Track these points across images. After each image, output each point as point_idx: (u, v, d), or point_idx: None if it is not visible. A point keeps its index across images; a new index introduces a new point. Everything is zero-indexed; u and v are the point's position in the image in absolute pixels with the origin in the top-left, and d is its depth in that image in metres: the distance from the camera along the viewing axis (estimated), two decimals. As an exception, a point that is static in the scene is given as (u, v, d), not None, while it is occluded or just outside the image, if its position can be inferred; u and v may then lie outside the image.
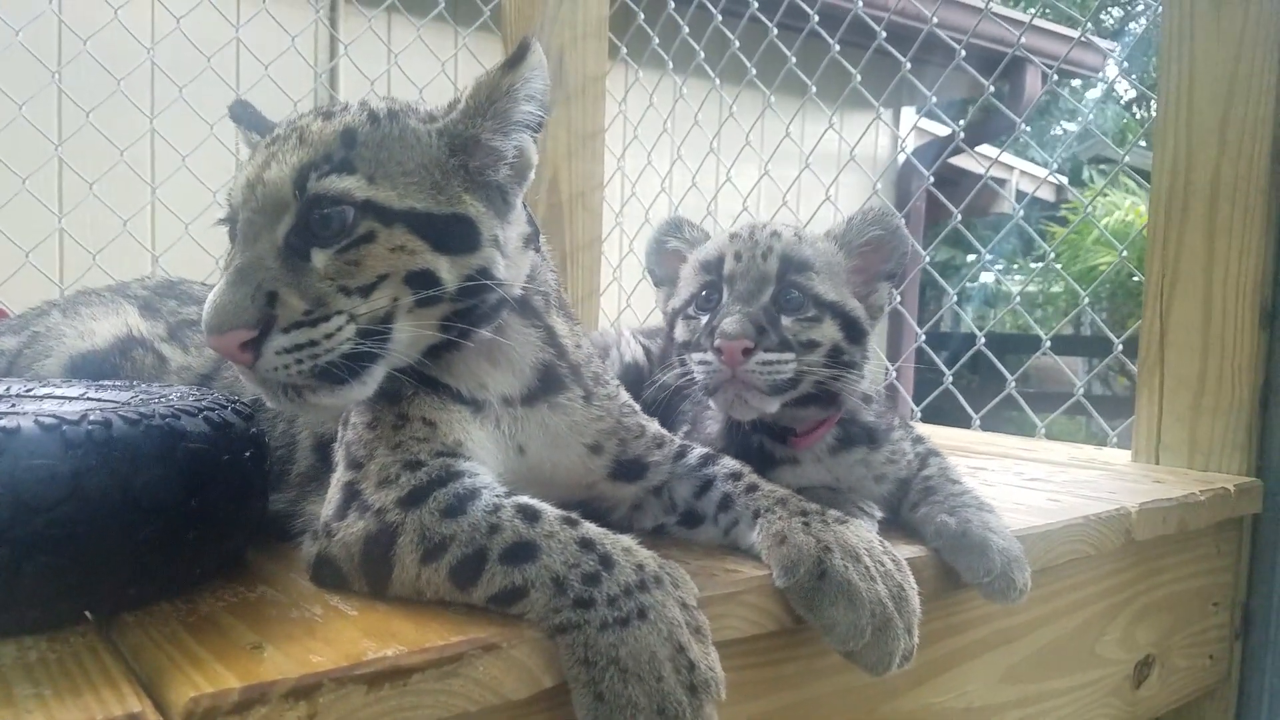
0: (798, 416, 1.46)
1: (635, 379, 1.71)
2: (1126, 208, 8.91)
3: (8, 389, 1.26)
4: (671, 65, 3.78)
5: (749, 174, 3.69)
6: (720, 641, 1.11)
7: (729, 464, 1.36)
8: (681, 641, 0.97)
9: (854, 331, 1.44)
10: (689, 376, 1.43)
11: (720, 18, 3.60)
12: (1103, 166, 11.88)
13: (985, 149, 7.80)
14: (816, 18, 3.25)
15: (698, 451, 1.40)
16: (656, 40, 3.85)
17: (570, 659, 0.95)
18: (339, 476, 1.14)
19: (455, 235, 1.15)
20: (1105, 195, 4.23)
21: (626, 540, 1.05)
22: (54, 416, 0.94)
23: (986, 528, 1.36)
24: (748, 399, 1.38)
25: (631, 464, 1.35)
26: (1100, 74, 8.33)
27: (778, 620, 1.18)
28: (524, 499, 1.07)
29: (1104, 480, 2.00)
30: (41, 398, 1.23)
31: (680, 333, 1.47)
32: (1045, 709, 1.66)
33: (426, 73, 3.93)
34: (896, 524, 1.48)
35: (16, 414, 0.94)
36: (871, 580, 1.15)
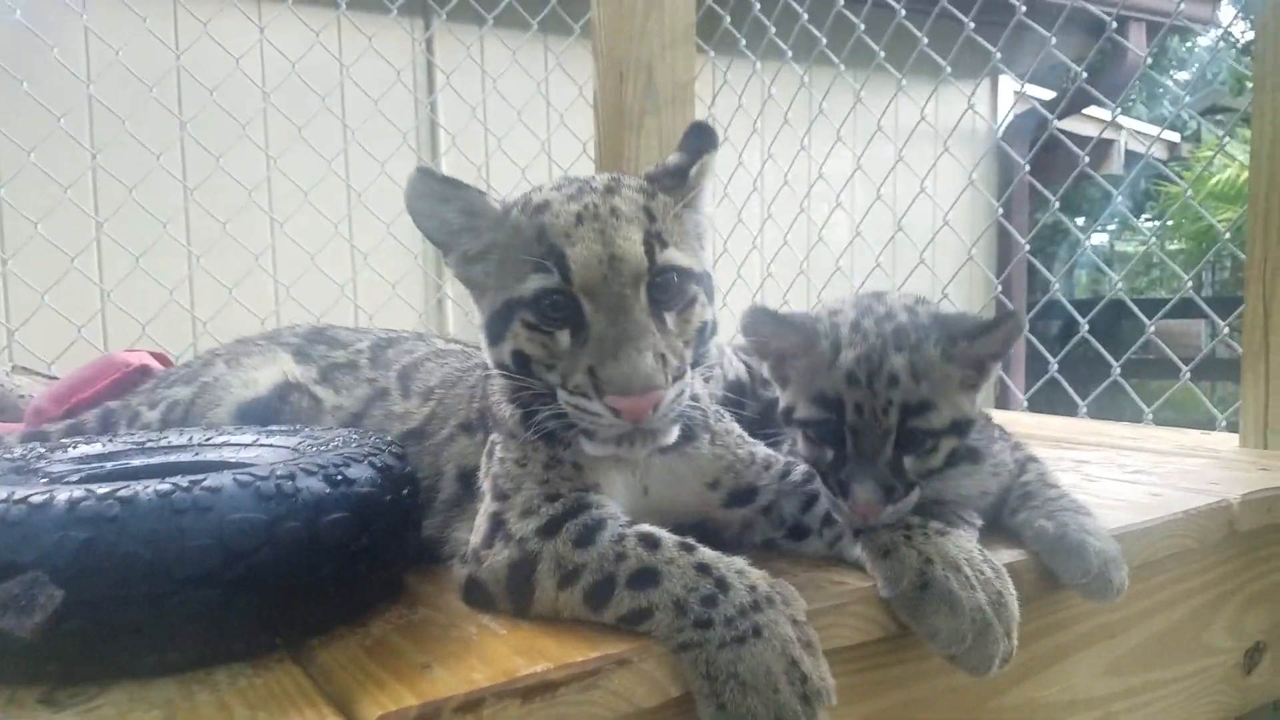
0: None
1: (738, 395, 1.81)
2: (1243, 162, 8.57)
3: (190, 438, 1.45)
4: (759, 66, 3.85)
5: (842, 167, 3.74)
6: (830, 649, 1.23)
7: None
8: (794, 656, 1.09)
9: (967, 429, 1.46)
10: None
11: (806, 16, 3.65)
12: (1220, 117, 11.40)
13: (1091, 111, 7.63)
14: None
15: (801, 469, 1.50)
16: (743, 42, 3.93)
17: (693, 673, 1.08)
18: (486, 507, 1.29)
19: (709, 290, 1.36)
20: (1219, 146, 4.10)
21: (739, 563, 1.17)
22: (249, 474, 1.10)
23: (1083, 530, 1.43)
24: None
25: (744, 492, 1.47)
26: (1210, 25, 8.02)
27: (883, 627, 1.28)
28: (645, 528, 1.20)
29: (1208, 470, 2.03)
30: (220, 445, 1.41)
31: (803, 449, 1.48)
32: (1152, 698, 1.72)
33: (521, 92, 4.09)
34: (998, 528, 1.55)
35: (219, 473, 1.10)
36: (971, 589, 1.24)
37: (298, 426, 1.51)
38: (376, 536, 1.19)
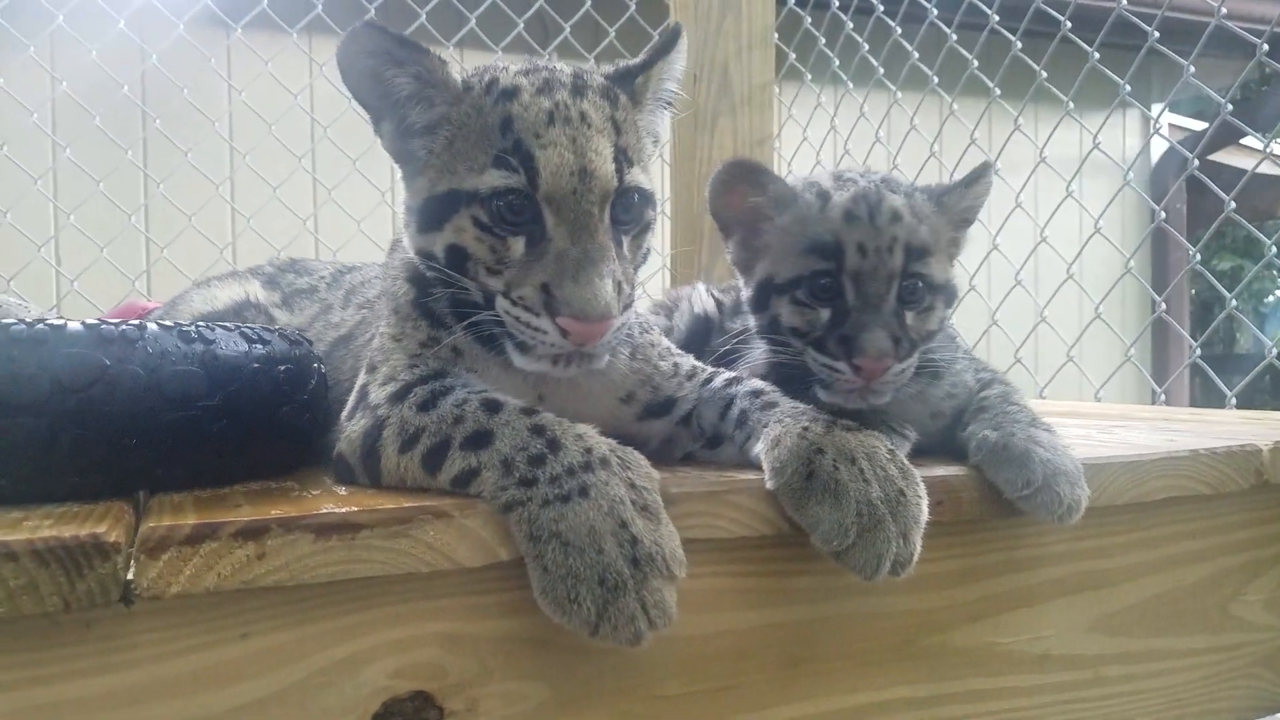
0: None
1: (704, 329, 1.73)
2: None
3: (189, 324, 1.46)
4: (845, 77, 3.76)
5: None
6: (709, 540, 1.15)
7: (754, 384, 1.36)
8: (624, 517, 1.00)
9: (951, 300, 1.41)
10: (787, 356, 1.41)
11: (900, 29, 3.54)
12: None
13: (1250, 142, 7.09)
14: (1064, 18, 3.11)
15: (725, 375, 1.41)
16: (823, 40, 3.85)
17: (520, 535, 1.01)
18: (357, 382, 1.26)
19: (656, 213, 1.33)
20: None
21: (585, 429, 1.09)
22: (97, 320, 1.11)
23: (1032, 441, 1.28)
24: (868, 398, 1.34)
25: (660, 404, 1.39)
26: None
27: (772, 525, 1.17)
28: (493, 394, 1.14)
29: (1258, 430, 1.79)
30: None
31: (789, 317, 1.39)
32: (1157, 669, 1.50)
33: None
34: (950, 452, 1.41)
35: (71, 321, 1.11)
36: (864, 482, 1.12)
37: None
38: (235, 402, 1.17)
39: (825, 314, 1.34)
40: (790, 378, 1.45)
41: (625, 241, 1.24)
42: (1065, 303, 3.03)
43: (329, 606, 1.00)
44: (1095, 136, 2.86)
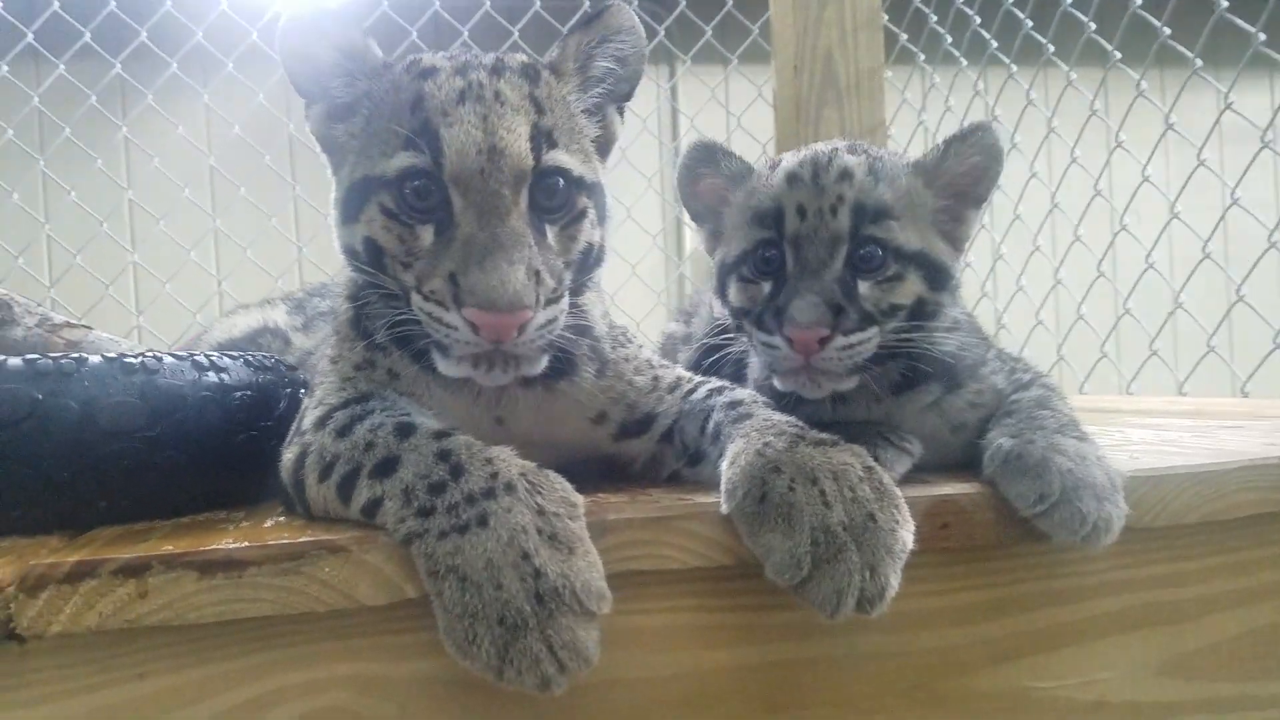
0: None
1: (721, 332, 1.59)
2: None
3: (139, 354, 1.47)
4: (958, 54, 3.51)
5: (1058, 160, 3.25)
6: (659, 572, 1.03)
7: (735, 394, 1.24)
8: (526, 548, 0.91)
9: (939, 277, 1.23)
10: (739, 344, 1.32)
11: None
12: None
13: None
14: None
15: (709, 386, 1.29)
16: (934, 18, 3.62)
17: (421, 570, 0.93)
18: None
19: (601, 207, 1.22)
20: None
21: (499, 452, 1.00)
22: (35, 354, 1.11)
23: (1053, 449, 1.10)
24: (821, 383, 1.20)
25: (637, 422, 1.28)
26: None
27: (731, 554, 1.05)
28: (410, 418, 1.06)
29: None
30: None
31: (735, 296, 1.30)
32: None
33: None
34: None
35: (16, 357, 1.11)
36: (824, 505, 0.99)
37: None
38: (178, 432, 1.14)
39: (766, 287, 1.22)
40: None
41: (550, 231, 1.14)
42: (1201, 286, 2.70)
43: (226, 646, 0.95)
44: (1226, 96, 2.53)
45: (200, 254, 3.72)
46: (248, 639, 0.95)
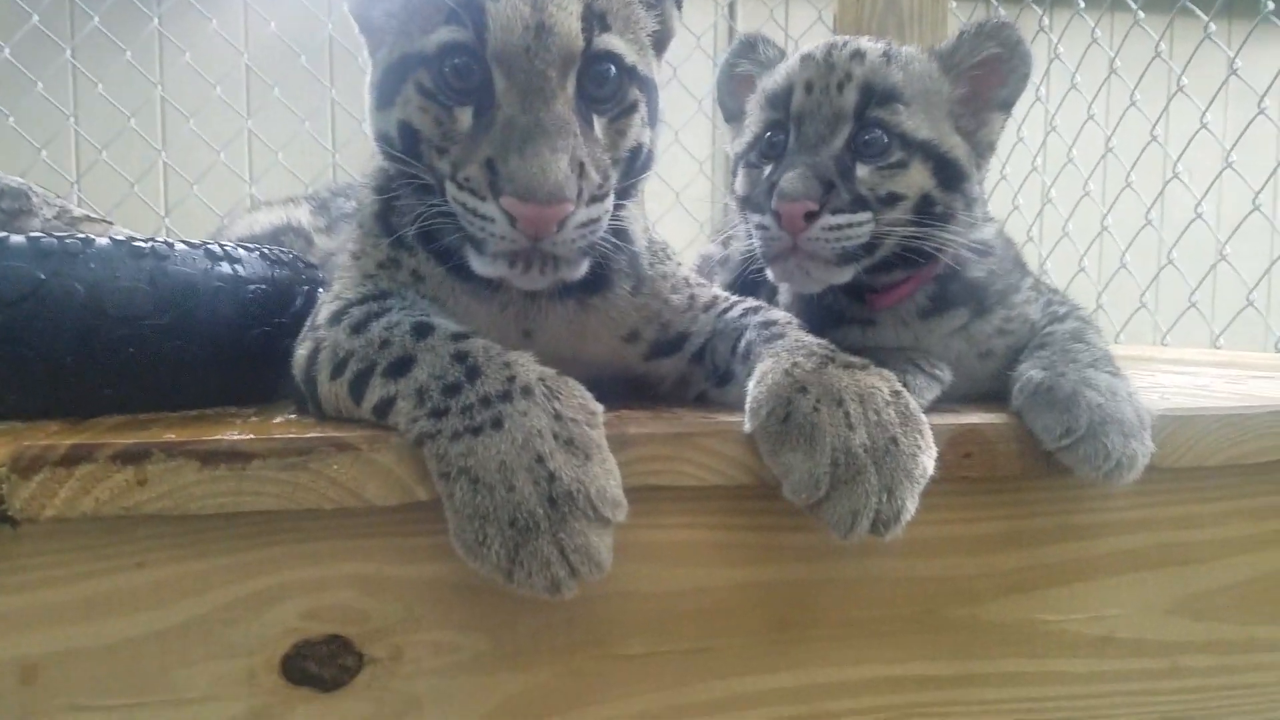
0: (878, 281, 1.22)
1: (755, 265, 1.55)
2: None
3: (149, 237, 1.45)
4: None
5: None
6: (676, 488, 1.01)
7: (770, 314, 1.20)
8: (540, 451, 0.88)
9: (951, 175, 1.18)
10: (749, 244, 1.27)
11: None
12: None
13: None
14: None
15: (744, 305, 1.25)
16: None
17: (433, 471, 0.91)
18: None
19: (654, 106, 1.15)
20: None
21: (517, 356, 0.97)
22: (41, 232, 1.08)
23: (1084, 382, 1.06)
24: (810, 270, 1.16)
25: (670, 342, 1.24)
26: None
27: (752, 473, 1.02)
28: (429, 319, 1.03)
29: None
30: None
31: (741, 185, 1.26)
32: (1260, 663, 1.24)
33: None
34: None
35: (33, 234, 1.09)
36: (848, 427, 0.95)
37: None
38: (188, 322, 1.12)
39: (768, 169, 1.18)
40: (824, 307, 1.28)
41: (599, 123, 1.08)
42: (1247, 240, 2.62)
43: (228, 539, 0.94)
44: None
45: (231, 155, 3.67)
46: (251, 532, 0.94)
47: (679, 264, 1.28)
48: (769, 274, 1.22)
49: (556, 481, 0.87)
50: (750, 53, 1.34)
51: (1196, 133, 2.69)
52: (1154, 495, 1.15)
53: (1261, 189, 2.51)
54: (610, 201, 1.05)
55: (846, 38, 1.24)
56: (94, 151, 3.51)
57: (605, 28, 1.06)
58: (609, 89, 1.07)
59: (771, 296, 1.40)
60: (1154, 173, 3.03)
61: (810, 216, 1.11)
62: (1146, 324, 3.16)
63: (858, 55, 1.19)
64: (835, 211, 1.11)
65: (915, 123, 1.16)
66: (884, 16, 3.17)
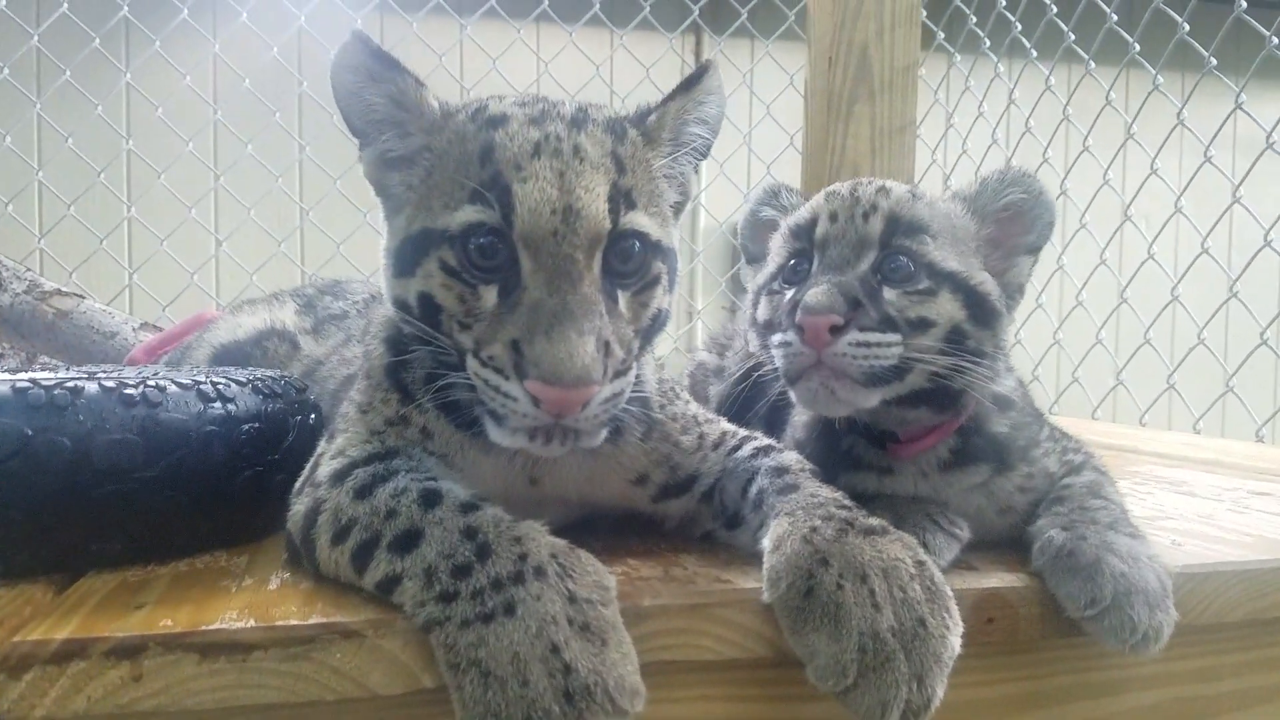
0: (904, 418, 1.19)
1: (757, 369, 1.53)
2: None
3: (137, 375, 1.41)
4: (995, 57, 3.41)
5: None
6: (694, 663, 0.97)
7: (782, 459, 1.17)
8: (556, 641, 0.84)
9: (982, 311, 1.15)
10: (768, 365, 1.24)
11: (1055, 9, 3.17)
12: None
13: None
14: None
15: (756, 444, 1.22)
16: (974, 19, 3.52)
17: (441, 661, 0.86)
18: (317, 448, 1.14)
19: (673, 272, 1.15)
20: None
21: (526, 528, 0.93)
22: (29, 381, 1.03)
23: (1106, 547, 1.04)
24: (836, 389, 1.11)
25: (680, 484, 1.21)
26: None
27: (771, 646, 0.98)
28: (437, 484, 0.99)
29: None
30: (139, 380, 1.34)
31: (762, 311, 1.24)
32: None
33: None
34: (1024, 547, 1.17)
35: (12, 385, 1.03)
36: (874, 608, 0.92)
37: (254, 370, 1.43)
38: (180, 472, 1.07)
39: (790, 294, 1.16)
40: (829, 447, 1.25)
41: (623, 298, 1.06)
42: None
43: (224, 732, 0.88)
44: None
45: (200, 211, 3.60)
46: (248, 725, 0.89)
47: (687, 401, 1.25)
48: (793, 396, 1.17)
49: (573, 674, 0.83)
50: (773, 200, 1.34)
51: (1171, 218, 2.73)
52: (1173, 650, 1.12)
53: (1239, 276, 2.53)
54: (633, 374, 1.03)
55: (861, 181, 1.23)
56: (61, 206, 3.43)
57: (631, 205, 1.04)
58: (634, 264, 1.05)
59: (770, 418, 1.37)
60: (1132, 251, 3.06)
61: (836, 331, 1.08)
62: (1113, 401, 3.18)
63: (883, 190, 1.18)
64: (863, 328, 1.09)
65: (943, 254, 1.15)
66: (855, 85, 3.19)
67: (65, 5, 3.33)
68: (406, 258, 1.07)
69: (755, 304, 1.27)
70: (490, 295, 1.02)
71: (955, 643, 0.93)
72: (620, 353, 1.00)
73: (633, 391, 1.07)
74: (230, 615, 0.89)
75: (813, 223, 1.20)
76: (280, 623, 0.88)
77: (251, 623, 0.87)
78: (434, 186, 1.07)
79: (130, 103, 3.76)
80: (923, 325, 1.12)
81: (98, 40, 3.35)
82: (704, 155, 1.19)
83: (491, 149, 1.03)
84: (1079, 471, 1.21)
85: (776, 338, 1.16)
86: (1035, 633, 1.07)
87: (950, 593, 0.97)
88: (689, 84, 1.16)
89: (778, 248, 1.28)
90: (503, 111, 1.08)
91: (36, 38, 3.35)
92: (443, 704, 0.86)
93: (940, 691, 0.91)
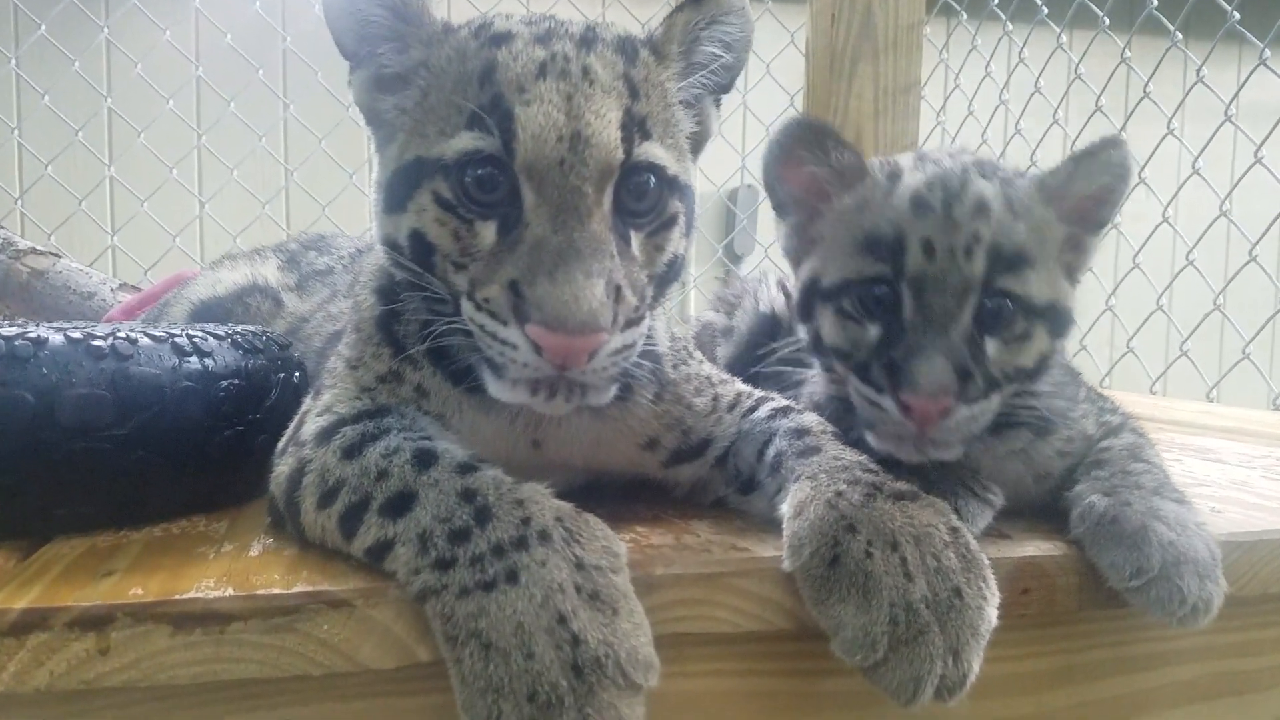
0: None
1: (769, 331, 1.44)
2: None
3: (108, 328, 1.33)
4: (1004, 15, 3.31)
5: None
6: (708, 635, 0.90)
7: (801, 420, 1.09)
8: (563, 610, 0.77)
9: (1063, 325, 1.06)
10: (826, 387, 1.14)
11: None
12: None
13: None
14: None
15: (773, 405, 1.14)
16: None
17: (437, 632, 0.79)
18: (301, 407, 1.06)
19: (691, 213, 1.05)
20: None
21: (531, 490, 0.86)
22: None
23: (1153, 514, 0.97)
24: (928, 451, 1.02)
25: (693, 448, 1.13)
26: None
27: (792, 617, 0.91)
28: (432, 444, 0.91)
29: None
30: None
31: (831, 333, 1.07)
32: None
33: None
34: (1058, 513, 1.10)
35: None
36: (906, 577, 0.85)
37: (233, 326, 1.35)
38: (153, 430, 0.99)
39: (874, 331, 1.03)
40: (850, 408, 1.17)
41: (635, 239, 0.97)
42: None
43: (203, 707, 0.81)
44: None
45: (182, 172, 3.49)
46: (230, 699, 0.81)
47: (701, 361, 1.17)
48: (871, 440, 1.05)
49: (582, 646, 0.76)
50: (816, 144, 1.11)
51: (1189, 178, 2.65)
52: (1215, 622, 1.04)
53: (1259, 239, 2.46)
54: (646, 324, 0.95)
55: (959, 174, 1.05)
56: (39, 166, 3.32)
57: (646, 135, 0.95)
58: (648, 202, 0.96)
59: (782, 387, 1.28)
60: (1148, 216, 2.98)
61: (945, 411, 0.98)
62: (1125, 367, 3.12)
63: (982, 210, 1.02)
64: (971, 401, 0.98)
65: (1040, 286, 1.03)
66: (859, 43, 3.09)
67: (40, -43, 3.21)
68: (398, 191, 0.98)
69: (810, 305, 1.12)
70: (488, 232, 0.93)
71: (992, 614, 0.87)
72: (633, 299, 0.91)
73: (644, 345, 0.99)
74: (207, 583, 0.82)
75: (898, 244, 1.02)
76: (261, 591, 0.80)
77: (230, 591, 0.80)
78: (429, 110, 0.97)
79: (110, 60, 3.64)
80: (1018, 374, 1.03)
81: (74, -8, 3.23)
82: (726, 87, 1.09)
83: (493, 68, 0.94)
84: (1117, 433, 1.14)
85: (864, 390, 1.03)
86: (1072, 604, 1.00)
87: (987, 561, 0.90)
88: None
89: (841, 243, 1.09)
90: (507, 29, 0.99)
91: (12, -6, 3.24)
92: (440, 679, 0.79)
93: (977, 666, 0.85)
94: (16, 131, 3.39)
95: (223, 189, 3.50)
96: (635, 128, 0.95)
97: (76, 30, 3.41)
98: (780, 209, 1.19)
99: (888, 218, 1.03)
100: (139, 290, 2.37)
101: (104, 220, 3.55)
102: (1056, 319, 1.04)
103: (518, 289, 0.88)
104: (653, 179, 0.96)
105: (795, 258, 1.17)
